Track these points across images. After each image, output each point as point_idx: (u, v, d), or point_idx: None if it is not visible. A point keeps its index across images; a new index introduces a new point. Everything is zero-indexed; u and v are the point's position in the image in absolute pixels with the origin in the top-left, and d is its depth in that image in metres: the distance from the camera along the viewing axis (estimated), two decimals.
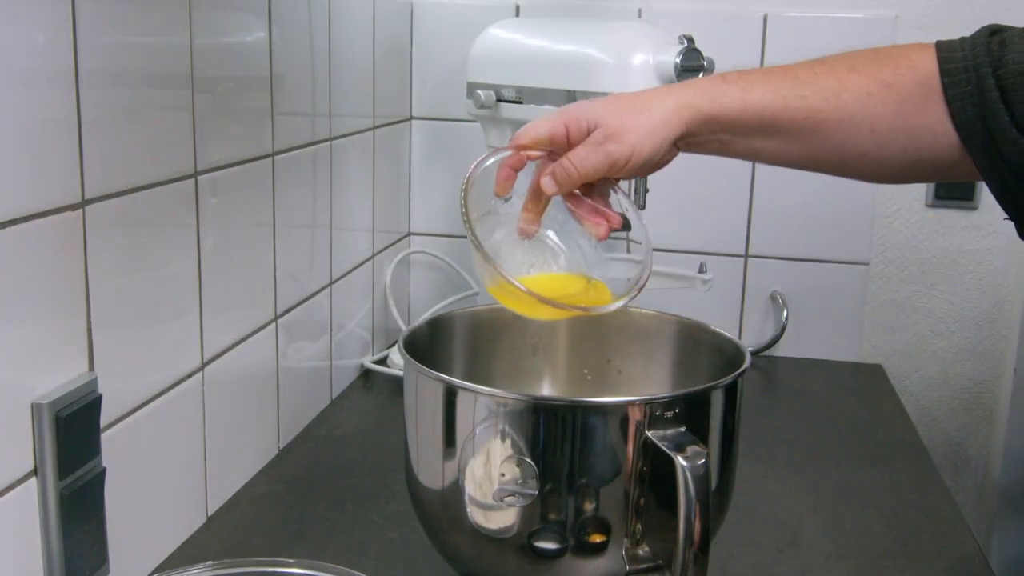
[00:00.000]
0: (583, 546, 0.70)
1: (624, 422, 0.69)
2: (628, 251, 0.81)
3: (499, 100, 1.17)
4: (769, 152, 0.83)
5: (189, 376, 0.89)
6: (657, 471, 0.69)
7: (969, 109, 0.77)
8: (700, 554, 0.66)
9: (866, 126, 0.80)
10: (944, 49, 0.80)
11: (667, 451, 0.67)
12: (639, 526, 0.70)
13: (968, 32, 0.80)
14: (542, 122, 0.79)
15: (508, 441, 0.70)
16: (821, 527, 0.98)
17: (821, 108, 0.80)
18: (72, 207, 0.70)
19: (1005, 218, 0.80)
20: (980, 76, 0.77)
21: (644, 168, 0.78)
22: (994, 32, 0.79)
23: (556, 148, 0.78)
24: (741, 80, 0.80)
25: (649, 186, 1.19)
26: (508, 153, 0.78)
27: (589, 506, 0.70)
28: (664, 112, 0.78)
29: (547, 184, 0.76)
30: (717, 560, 0.71)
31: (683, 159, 0.82)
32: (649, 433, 0.68)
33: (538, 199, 0.78)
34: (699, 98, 0.79)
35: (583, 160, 0.76)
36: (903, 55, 0.81)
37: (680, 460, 0.66)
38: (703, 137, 0.80)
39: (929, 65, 0.79)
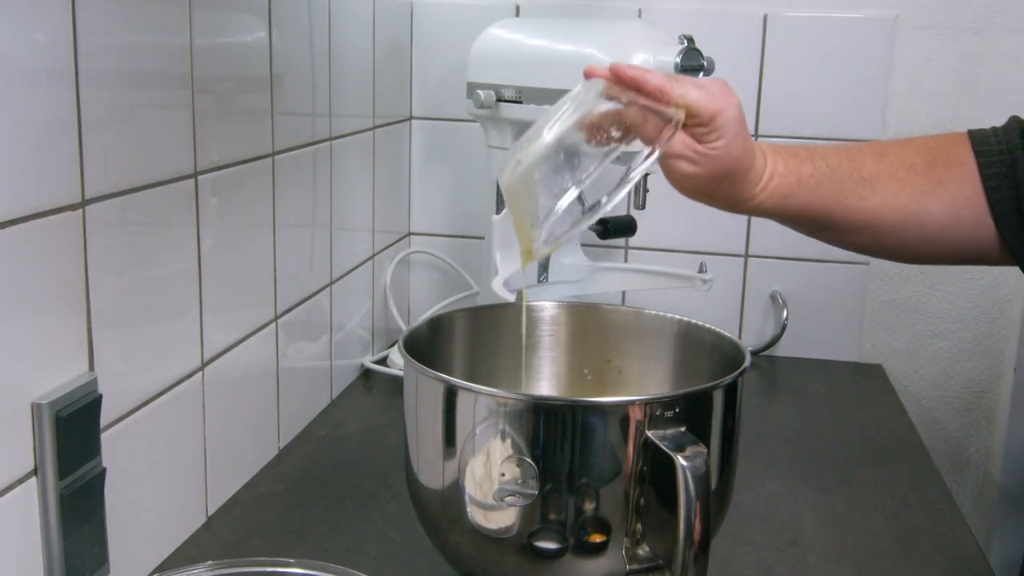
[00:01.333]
0: (583, 546, 0.70)
1: (624, 422, 0.69)
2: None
3: (499, 100, 1.17)
4: (816, 237, 0.87)
5: (189, 376, 0.89)
6: (657, 471, 0.69)
7: (1005, 194, 0.80)
8: (700, 554, 0.66)
9: (917, 222, 0.83)
10: (977, 139, 0.83)
11: (667, 451, 0.67)
12: (639, 526, 0.70)
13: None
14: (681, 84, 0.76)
15: (508, 441, 0.70)
16: (821, 527, 0.98)
17: (879, 210, 0.82)
18: (72, 207, 0.70)
19: None
20: (1015, 160, 0.80)
21: (710, 142, 0.77)
22: None
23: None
24: (812, 178, 0.81)
25: (649, 186, 1.19)
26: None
27: (589, 506, 0.70)
28: (751, 188, 0.81)
29: (601, 72, 0.75)
30: (717, 560, 0.71)
31: None
32: (649, 433, 0.68)
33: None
34: (768, 197, 0.82)
35: (680, 88, 0.74)
36: (953, 150, 0.84)
37: (680, 460, 0.66)
38: (763, 215, 0.83)
39: (972, 173, 0.82)
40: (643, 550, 0.71)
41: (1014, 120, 0.85)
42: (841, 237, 0.86)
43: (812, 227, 0.85)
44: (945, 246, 0.84)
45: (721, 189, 0.80)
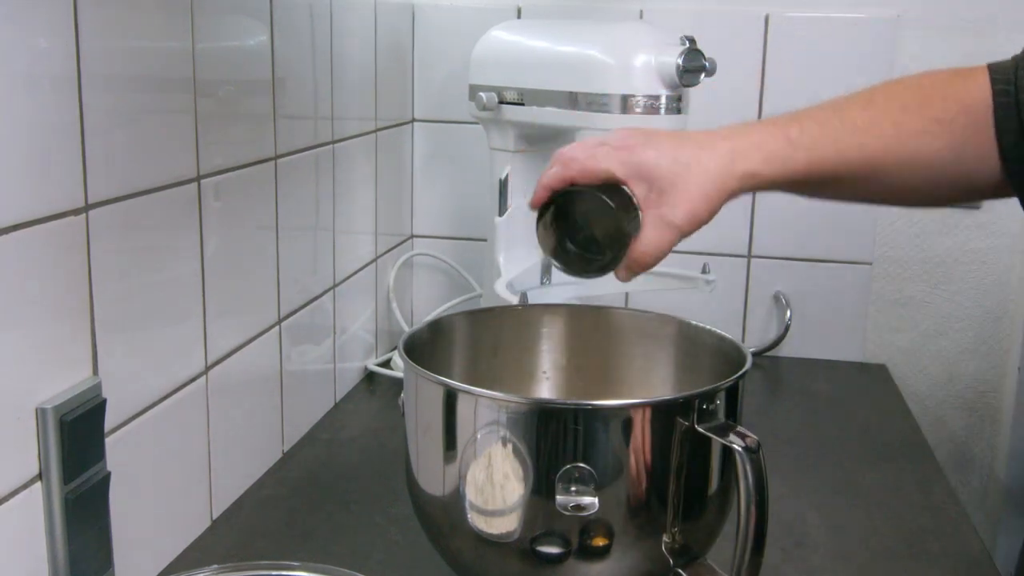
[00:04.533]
0: (585, 550, 0.70)
1: (627, 424, 0.69)
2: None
3: (501, 102, 1.17)
4: (820, 196, 0.85)
5: (193, 380, 0.89)
6: (662, 472, 0.69)
7: (1014, 133, 0.78)
8: (756, 545, 0.66)
9: (921, 164, 0.81)
10: (997, 71, 0.81)
11: (725, 442, 0.68)
12: (678, 521, 0.71)
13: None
14: (596, 158, 0.77)
15: (510, 445, 0.70)
16: (826, 527, 0.98)
17: (880, 155, 0.81)
18: (75, 212, 0.70)
19: None
20: (1019, 79, 0.78)
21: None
22: None
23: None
24: (804, 136, 0.79)
25: None
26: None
27: (590, 509, 0.69)
28: (721, 174, 0.77)
29: (624, 278, 0.78)
30: (723, 562, 0.71)
31: None
32: (698, 427, 0.69)
33: None
34: (764, 166, 0.78)
35: (654, 246, 0.76)
36: (949, 86, 0.82)
37: (735, 446, 0.67)
38: (756, 190, 0.81)
39: (976, 94, 0.80)
40: (680, 544, 0.71)
41: None
42: (852, 189, 0.84)
43: (818, 185, 0.82)
44: (949, 184, 0.83)
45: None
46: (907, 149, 0.81)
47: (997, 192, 0.83)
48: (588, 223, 0.77)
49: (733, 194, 0.77)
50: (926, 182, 0.82)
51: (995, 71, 0.81)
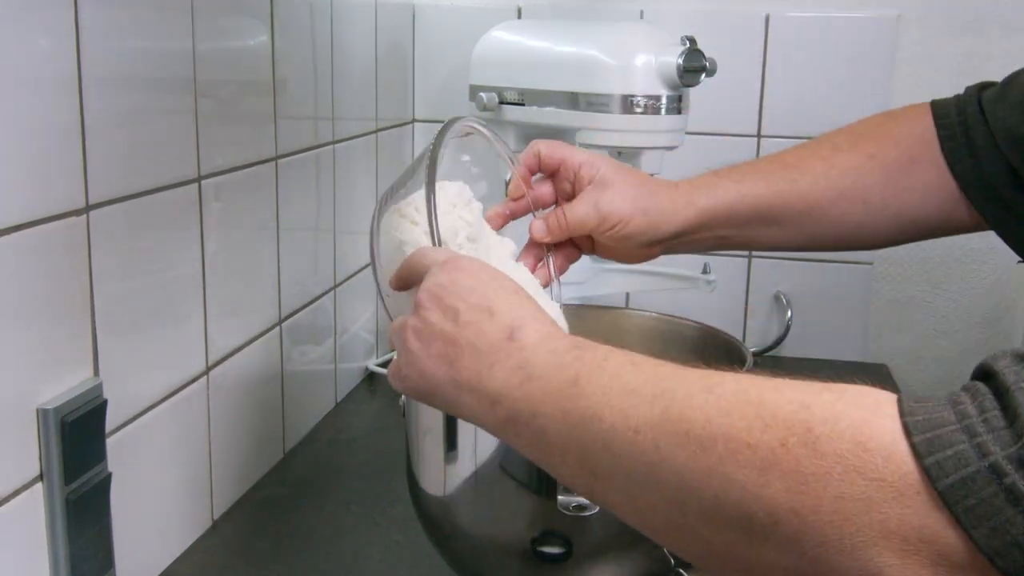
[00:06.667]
0: (587, 551, 0.70)
1: None
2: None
3: (502, 102, 1.18)
4: (768, 239, 0.84)
5: (194, 380, 0.89)
6: None
7: (965, 159, 0.80)
8: None
9: (858, 199, 0.82)
10: (939, 105, 0.83)
11: None
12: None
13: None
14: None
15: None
16: None
17: (812, 189, 0.82)
18: (76, 212, 0.70)
19: (1019, 261, 0.82)
20: (969, 129, 0.80)
21: (622, 243, 0.80)
22: (984, 87, 0.83)
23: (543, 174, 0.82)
24: (733, 173, 0.82)
25: None
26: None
27: (591, 509, 0.69)
28: (668, 202, 0.80)
29: (538, 229, 0.80)
30: None
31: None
32: None
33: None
34: (696, 193, 0.81)
35: (573, 211, 0.79)
36: (882, 126, 0.85)
37: None
38: (700, 235, 0.82)
39: (915, 129, 0.82)
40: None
41: (973, 87, 0.84)
42: (797, 228, 0.84)
43: (760, 224, 0.83)
44: (889, 221, 0.83)
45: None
46: (840, 184, 0.82)
47: (949, 223, 0.83)
48: None
49: (670, 222, 0.80)
50: (867, 217, 0.83)
51: (937, 105, 0.83)
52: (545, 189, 0.82)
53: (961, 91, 0.85)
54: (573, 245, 0.83)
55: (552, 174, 0.82)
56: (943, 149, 0.81)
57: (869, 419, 0.43)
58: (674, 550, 0.48)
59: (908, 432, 0.42)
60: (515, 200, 0.81)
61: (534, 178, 0.82)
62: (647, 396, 0.49)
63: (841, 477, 0.41)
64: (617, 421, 0.49)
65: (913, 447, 0.41)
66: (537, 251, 0.81)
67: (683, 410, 0.47)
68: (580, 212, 0.79)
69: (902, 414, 0.43)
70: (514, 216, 0.82)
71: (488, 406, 0.55)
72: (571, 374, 0.52)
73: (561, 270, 0.81)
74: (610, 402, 0.49)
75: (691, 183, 0.82)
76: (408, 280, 0.64)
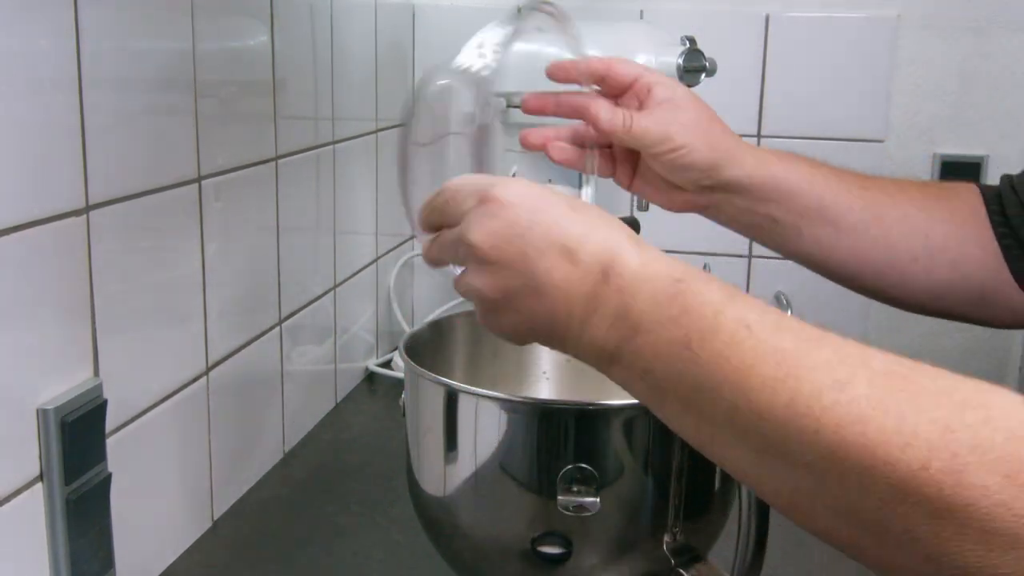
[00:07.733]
0: (587, 551, 0.70)
1: (628, 425, 0.69)
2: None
3: (509, 105, 1.17)
4: (815, 240, 0.81)
5: (194, 380, 0.89)
6: (663, 472, 0.69)
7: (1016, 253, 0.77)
8: (758, 543, 0.66)
9: (921, 230, 0.79)
10: (988, 197, 0.80)
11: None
12: (678, 521, 0.71)
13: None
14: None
15: (512, 446, 0.69)
16: None
17: (882, 201, 0.79)
18: (76, 212, 0.70)
19: None
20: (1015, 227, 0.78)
21: (675, 173, 0.76)
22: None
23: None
24: (813, 161, 0.79)
25: None
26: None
27: (591, 509, 0.69)
28: (738, 150, 0.76)
29: (605, 111, 0.75)
30: (723, 562, 0.71)
31: None
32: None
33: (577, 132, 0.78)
34: (771, 157, 0.78)
35: (639, 120, 0.74)
36: (946, 186, 0.83)
37: None
38: (754, 203, 0.78)
39: (974, 195, 0.80)
40: (681, 544, 0.71)
41: (1005, 180, 0.82)
42: (851, 239, 0.80)
43: (819, 219, 0.79)
44: (948, 267, 0.80)
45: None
46: (907, 208, 0.79)
47: (997, 295, 0.80)
48: None
49: (733, 157, 0.77)
50: (925, 253, 0.79)
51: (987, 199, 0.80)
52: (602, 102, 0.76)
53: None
54: (612, 160, 0.78)
55: (620, 93, 0.77)
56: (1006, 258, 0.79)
57: (1020, 451, 0.40)
58: (794, 522, 0.47)
59: None
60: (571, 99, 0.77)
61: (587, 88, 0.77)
62: (768, 379, 0.45)
63: (988, 512, 0.40)
64: (740, 402, 0.45)
65: None
66: (580, 141, 0.77)
67: (810, 406, 0.43)
68: (645, 122, 0.74)
69: None
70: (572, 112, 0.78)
71: (594, 359, 0.52)
72: (681, 335, 0.48)
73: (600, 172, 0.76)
74: (728, 377, 0.46)
75: (769, 149, 0.78)
76: (440, 222, 0.60)
